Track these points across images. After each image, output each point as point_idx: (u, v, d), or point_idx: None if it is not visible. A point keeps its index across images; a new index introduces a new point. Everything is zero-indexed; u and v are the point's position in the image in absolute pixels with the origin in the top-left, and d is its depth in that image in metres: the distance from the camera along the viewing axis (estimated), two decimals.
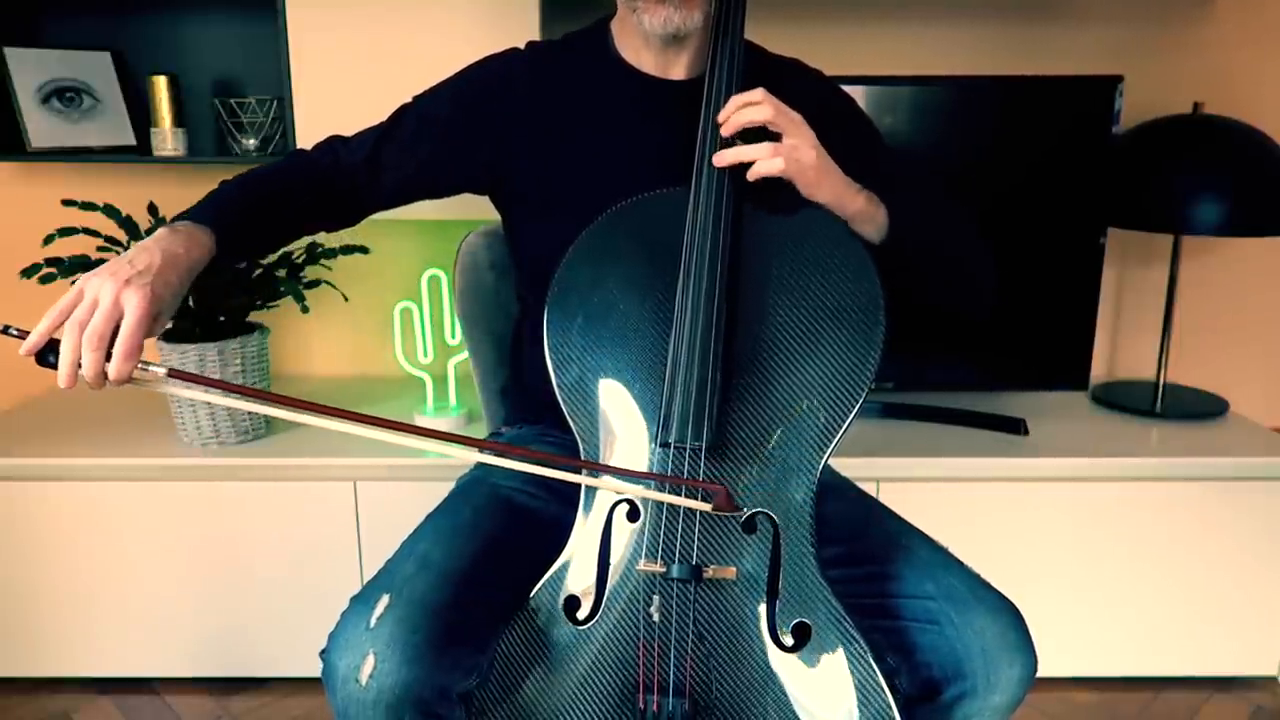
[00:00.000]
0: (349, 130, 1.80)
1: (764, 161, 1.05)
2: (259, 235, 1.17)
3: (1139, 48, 2.07)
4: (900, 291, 1.08)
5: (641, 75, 1.24)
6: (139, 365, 0.94)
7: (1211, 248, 2.19)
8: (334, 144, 1.28)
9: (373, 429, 0.93)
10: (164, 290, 0.97)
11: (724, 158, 1.07)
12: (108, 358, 0.93)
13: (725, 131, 1.08)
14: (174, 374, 0.96)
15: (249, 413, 1.83)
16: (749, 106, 1.06)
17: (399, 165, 1.26)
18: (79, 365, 0.92)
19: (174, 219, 1.08)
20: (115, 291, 0.93)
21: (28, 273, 1.67)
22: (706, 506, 0.98)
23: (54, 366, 0.93)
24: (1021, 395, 2.08)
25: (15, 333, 0.95)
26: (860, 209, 1.10)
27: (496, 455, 1.07)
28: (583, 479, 1.03)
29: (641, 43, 1.22)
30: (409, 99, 1.31)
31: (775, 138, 1.07)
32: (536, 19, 1.78)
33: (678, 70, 1.23)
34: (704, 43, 1.20)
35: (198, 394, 1.01)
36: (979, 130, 1.91)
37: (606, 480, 1.02)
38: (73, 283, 1.63)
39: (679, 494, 1.00)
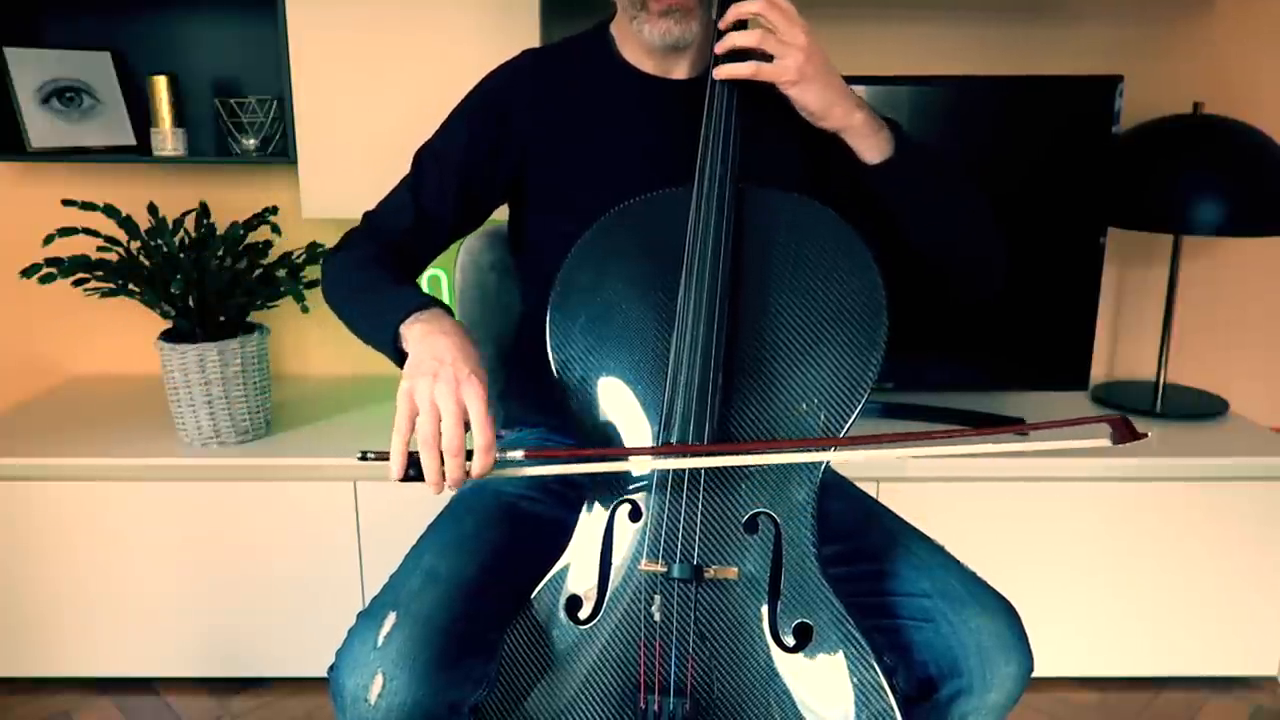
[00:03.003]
0: (345, 131, 1.82)
1: (755, 65, 1.08)
2: None
3: (1139, 48, 2.07)
4: (912, 258, 1.08)
5: (643, 76, 1.25)
6: (496, 454, 0.94)
7: (1211, 248, 2.19)
8: (372, 221, 1.26)
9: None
10: (480, 371, 0.97)
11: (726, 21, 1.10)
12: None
13: (723, 25, 1.10)
14: (531, 454, 0.97)
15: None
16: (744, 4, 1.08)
17: (444, 212, 1.25)
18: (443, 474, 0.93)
19: (391, 321, 1.05)
20: (454, 393, 0.93)
21: (28, 273, 1.67)
22: (1105, 442, 0.94)
23: (415, 480, 0.94)
24: (1021, 395, 2.08)
25: (373, 456, 0.97)
26: (861, 123, 1.12)
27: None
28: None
29: (643, 47, 1.23)
30: (420, 144, 1.28)
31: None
32: (536, 20, 1.78)
33: (679, 70, 1.24)
34: (705, 42, 1.20)
35: (557, 469, 1.03)
36: (979, 130, 1.91)
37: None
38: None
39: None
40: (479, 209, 1.29)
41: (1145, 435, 0.95)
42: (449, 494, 1.25)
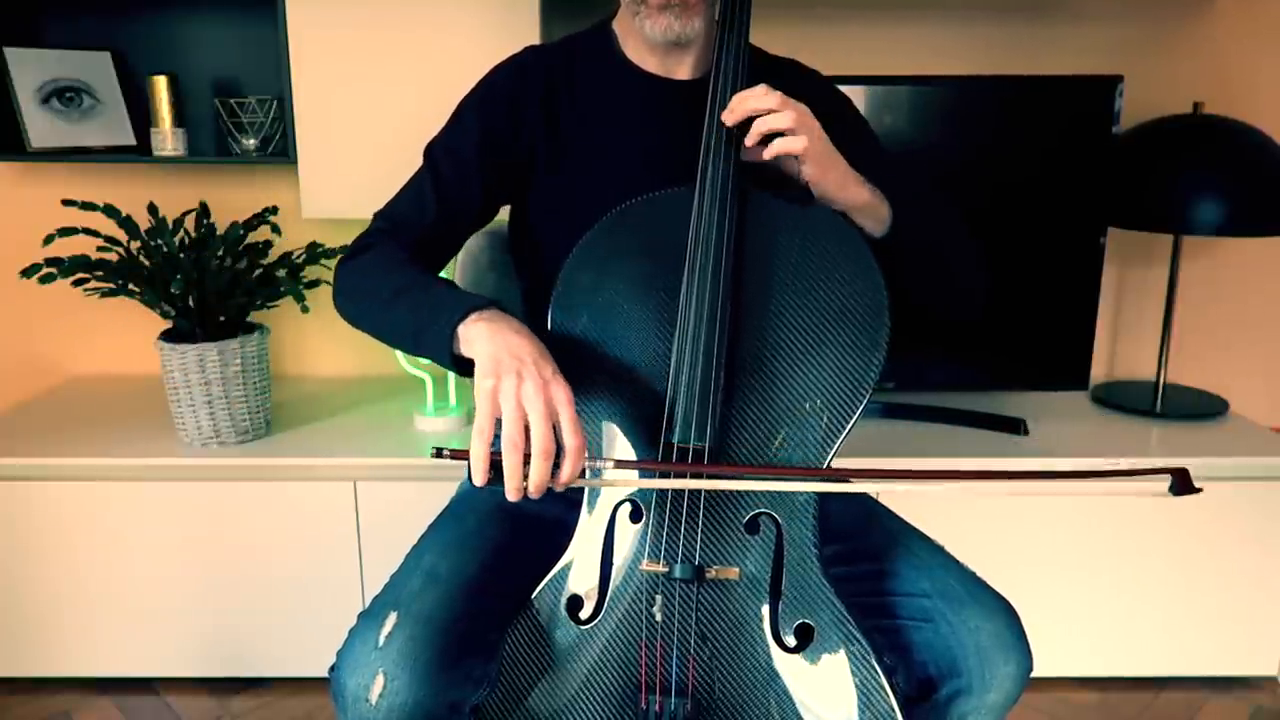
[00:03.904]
0: (345, 131, 1.82)
1: (786, 140, 1.04)
2: None
3: (1139, 48, 2.07)
4: (897, 292, 1.09)
5: (646, 75, 1.24)
6: (585, 461, 0.91)
7: (1211, 248, 2.19)
8: (389, 219, 1.22)
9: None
10: (561, 374, 0.94)
11: (735, 113, 1.06)
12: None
13: (729, 120, 1.07)
14: (621, 464, 0.95)
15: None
16: (754, 99, 1.06)
17: (466, 205, 1.23)
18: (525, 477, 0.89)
19: (447, 320, 1.00)
20: (543, 393, 0.89)
21: (28, 273, 1.67)
22: (1162, 486, 0.92)
23: (495, 484, 0.89)
24: (1021, 395, 2.08)
25: (449, 455, 0.93)
26: (866, 201, 1.11)
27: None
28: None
29: (645, 44, 1.22)
30: (427, 142, 1.26)
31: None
32: (537, 19, 1.78)
33: (683, 70, 1.24)
34: (709, 43, 1.20)
35: (647, 484, 1.01)
36: (979, 130, 1.91)
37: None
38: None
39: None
40: (496, 201, 1.27)
41: (1201, 490, 0.93)
42: (445, 494, 1.25)
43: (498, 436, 0.90)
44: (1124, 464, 1.79)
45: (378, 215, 1.23)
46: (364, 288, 1.13)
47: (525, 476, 0.88)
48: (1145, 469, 0.93)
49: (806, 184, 1.08)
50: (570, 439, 0.89)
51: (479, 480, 0.89)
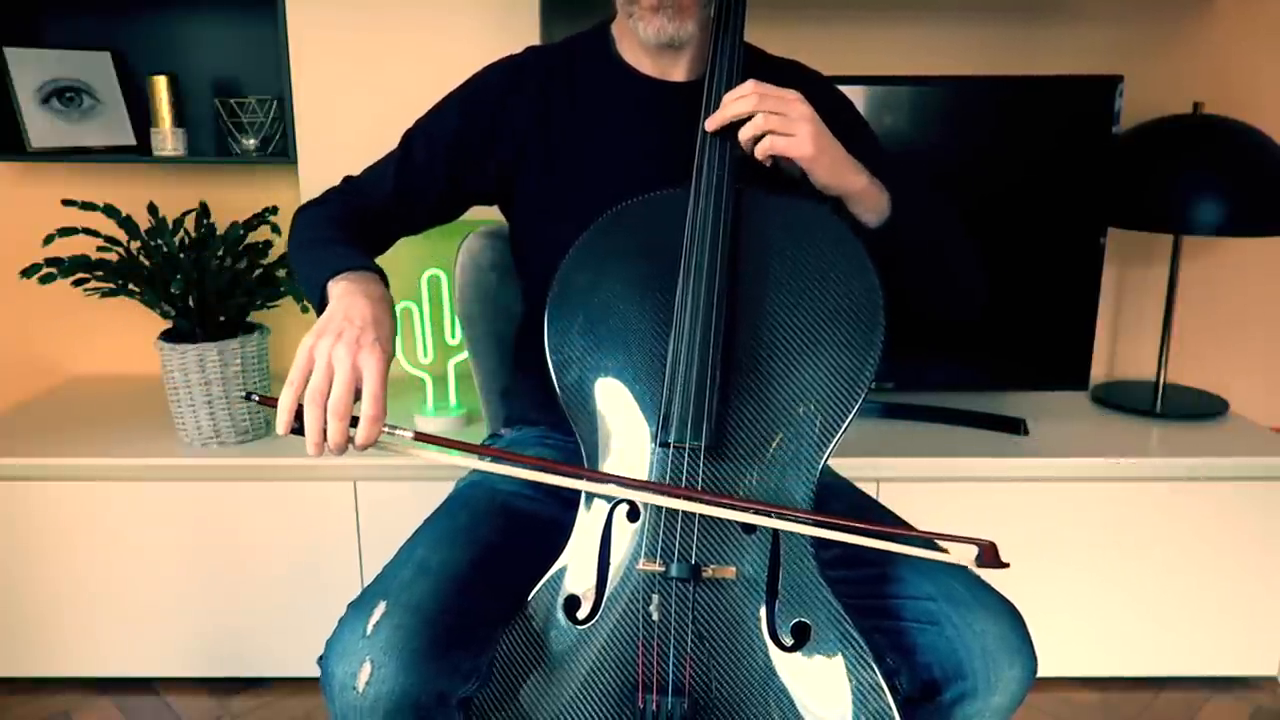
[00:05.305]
0: (346, 131, 1.82)
1: (766, 141, 1.06)
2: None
3: (1139, 47, 2.07)
4: (895, 290, 1.09)
5: (642, 77, 1.25)
6: (385, 429, 0.94)
7: (1211, 248, 2.19)
8: (351, 185, 1.28)
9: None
10: (388, 342, 0.98)
11: (715, 122, 1.08)
12: (353, 423, 0.92)
13: (710, 128, 1.09)
14: (420, 436, 0.97)
15: (242, 419, 1.83)
16: (737, 100, 1.07)
17: (425, 190, 1.26)
18: (325, 434, 0.92)
19: (323, 275, 1.06)
20: (352, 355, 0.93)
21: (28, 273, 1.68)
22: (968, 559, 0.98)
23: (300, 434, 0.93)
24: (1021, 395, 2.08)
25: (257, 399, 0.98)
26: (863, 189, 1.11)
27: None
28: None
29: (640, 46, 1.23)
30: (412, 123, 1.29)
31: None
32: (537, 19, 1.78)
33: (678, 72, 1.24)
34: (704, 44, 1.20)
35: (443, 457, 1.03)
36: (979, 130, 1.91)
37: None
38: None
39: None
40: (462, 197, 1.29)
41: (1008, 565, 0.98)
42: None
43: None
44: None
45: (344, 179, 1.29)
46: (295, 237, 1.20)
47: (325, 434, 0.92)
48: (959, 537, 0.98)
49: (802, 172, 1.09)
50: (367, 408, 0.92)
51: (280, 428, 0.93)
